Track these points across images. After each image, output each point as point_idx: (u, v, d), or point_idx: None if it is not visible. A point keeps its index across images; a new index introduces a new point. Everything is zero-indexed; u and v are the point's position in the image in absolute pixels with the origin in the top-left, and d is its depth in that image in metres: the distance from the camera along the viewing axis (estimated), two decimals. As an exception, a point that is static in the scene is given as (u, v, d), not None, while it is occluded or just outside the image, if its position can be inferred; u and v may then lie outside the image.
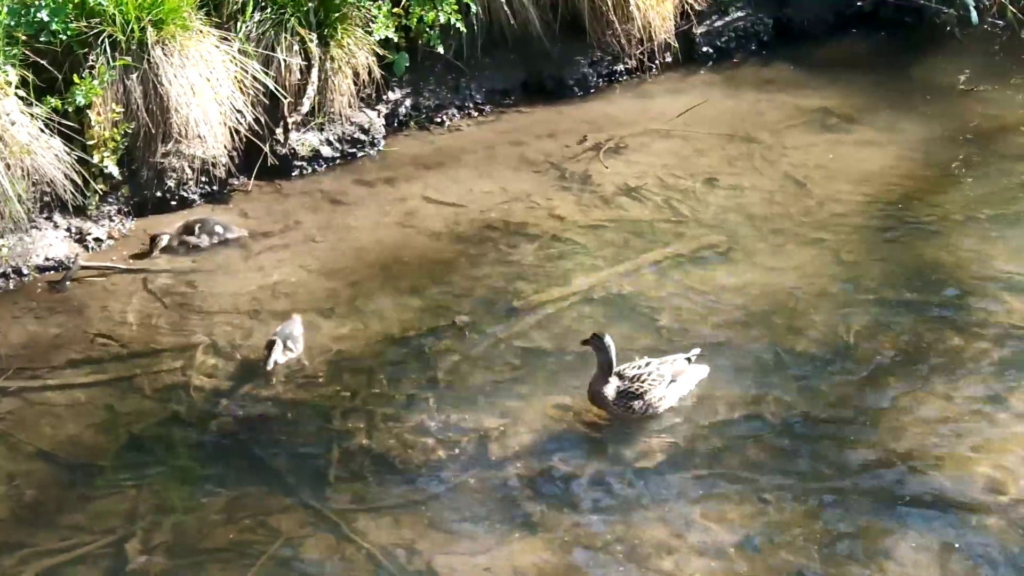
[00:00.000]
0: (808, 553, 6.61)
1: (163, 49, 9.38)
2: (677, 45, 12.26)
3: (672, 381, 7.59)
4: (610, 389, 7.52)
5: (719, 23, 12.64)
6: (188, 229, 9.30)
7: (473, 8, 11.21)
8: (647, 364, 7.61)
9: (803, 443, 7.40)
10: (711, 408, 7.66)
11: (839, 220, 9.67)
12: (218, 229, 9.33)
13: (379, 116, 10.98)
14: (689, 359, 7.74)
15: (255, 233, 9.55)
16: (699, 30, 12.50)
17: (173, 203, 9.82)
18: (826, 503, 6.94)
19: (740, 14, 12.73)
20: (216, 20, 9.94)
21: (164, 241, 9.22)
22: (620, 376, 7.55)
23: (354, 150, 10.70)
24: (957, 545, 6.63)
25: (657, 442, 7.42)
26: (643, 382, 7.50)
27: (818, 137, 11.03)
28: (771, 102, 11.70)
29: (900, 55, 12.58)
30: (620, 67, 12.12)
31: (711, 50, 12.56)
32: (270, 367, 7.81)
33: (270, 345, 7.89)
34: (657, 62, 12.26)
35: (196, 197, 9.91)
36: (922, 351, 8.16)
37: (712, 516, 6.85)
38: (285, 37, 10.14)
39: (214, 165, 9.82)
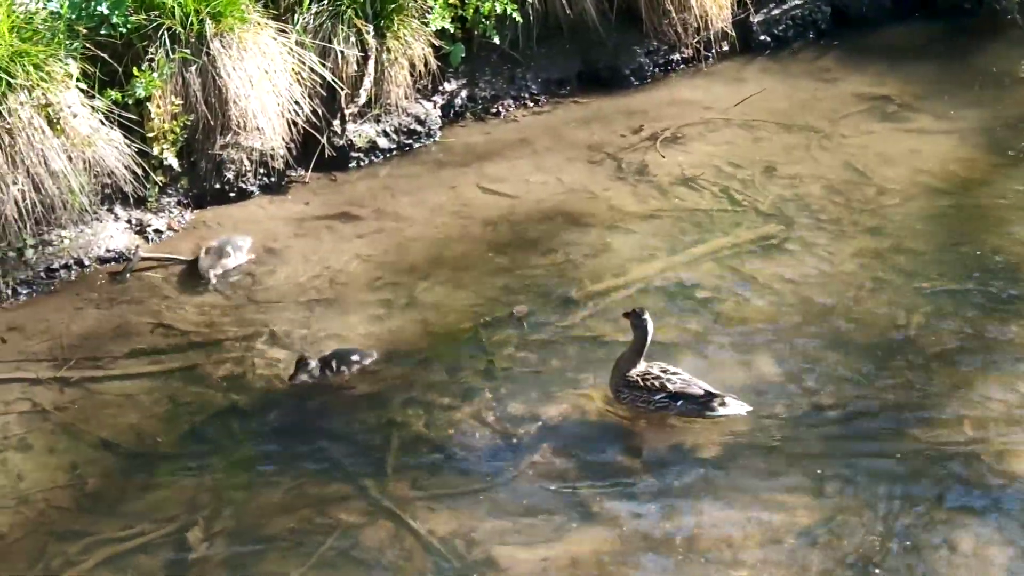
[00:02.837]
0: (869, 544, 6.57)
1: (221, 41, 9.43)
2: (734, 34, 12.16)
3: (670, 395, 7.38)
4: (626, 368, 7.45)
5: (776, 11, 12.53)
6: (220, 252, 9.04)
7: (529, -2, 11.21)
8: (675, 373, 7.44)
9: (863, 433, 7.35)
10: (770, 398, 7.61)
11: (899, 209, 9.58)
12: (240, 243, 9.14)
13: (435, 107, 10.99)
14: (712, 394, 7.37)
15: (313, 217, 9.64)
16: (756, 18, 12.39)
17: (232, 195, 9.88)
18: (887, 493, 6.89)
19: (798, 1, 12.59)
20: (274, 12, 9.98)
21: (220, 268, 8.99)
22: (647, 367, 7.47)
23: (410, 141, 10.72)
24: (1021, 537, 6.55)
25: (716, 432, 7.39)
26: (645, 380, 7.40)
27: (877, 125, 10.91)
28: (829, 90, 11.59)
29: (960, 42, 12.40)
30: (676, 56, 12.04)
31: (768, 38, 12.45)
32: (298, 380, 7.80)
33: (300, 364, 7.80)
34: (714, 51, 12.18)
35: (254, 189, 9.97)
36: (983, 341, 8.08)
37: (772, 507, 6.83)
38: (342, 29, 10.16)
39: (272, 157, 9.86)
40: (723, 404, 7.37)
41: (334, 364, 7.83)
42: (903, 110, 11.16)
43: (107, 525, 6.83)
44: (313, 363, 7.77)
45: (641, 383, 7.40)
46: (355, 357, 7.89)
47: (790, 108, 11.26)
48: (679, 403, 7.38)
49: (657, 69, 11.96)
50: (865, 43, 12.38)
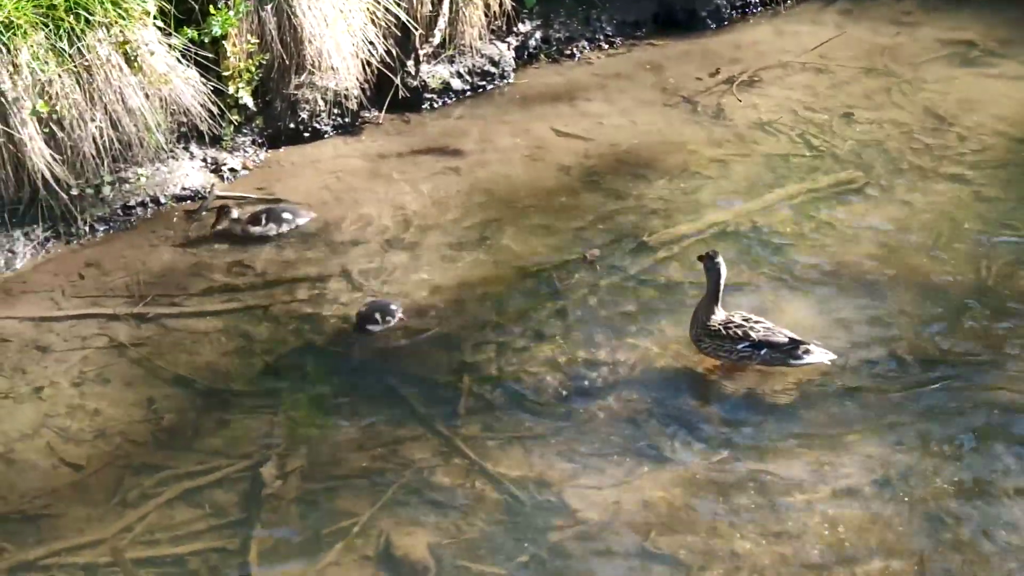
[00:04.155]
0: (945, 494, 6.51)
1: (297, -20, 9.42)
2: (814, -24, 12.00)
3: (753, 344, 7.24)
4: (705, 315, 7.35)
5: (857, -47, 12.32)
6: (255, 219, 8.77)
7: (606, -62, 11.09)
8: (757, 321, 7.32)
9: (941, 383, 7.26)
10: (846, 347, 7.53)
11: (980, 156, 9.42)
12: (286, 216, 8.82)
13: (509, 49, 10.92)
14: (797, 341, 7.23)
15: (386, 156, 9.63)
16: (836, -40, 12.21)
17: (306, 135, 9.89)
18: (964, 444, 6.82)
19: (880, -57, 12.38)
20: (350, -49, 9.94)
21: (234, 214, 8.76)
22: (727, 315, 7.37)
23: (484, 83, 10.67)
24: (1101, 490, 6.48)
25: (792, 380, 7.32)
26: (727, 329, 7.28)
27: (959, 71, 10.72)
28: (910, 34, 11.38)
29: (1047, -14, 12.14)
30: (754, -2, 11.92)
31: (849, -19, 12.27)
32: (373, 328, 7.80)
33: (367, 316, 7.81)
34: (793, -7, 12.02)
35: (328, 129, 9.97)
36: (1066, 291, 7.96)
37: (846, 455, 6.77)
38: (417, -33, 10.11)
39: (346, 97, 9.86)
40: (808, 351, 7.25)
41: (377, 316, 7.83)
42: (986, 55, 10.95)
43: (183, 460, 6.91)
44: (377, 315, 7.80)
45: (724, 332, 7.30)
46: (393, 306, 7.87)
47: (870, 52, 11.07)
48: (763, 352, 7.27)
49: (735, 11, 11.81)
50: (948, -15, 12.14)
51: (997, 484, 6.57)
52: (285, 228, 8.80)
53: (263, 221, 8.76)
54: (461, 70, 10.58)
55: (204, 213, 9.00)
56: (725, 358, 7.35)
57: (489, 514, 6.51)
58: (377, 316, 7.80)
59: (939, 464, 6.69)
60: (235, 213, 8.80)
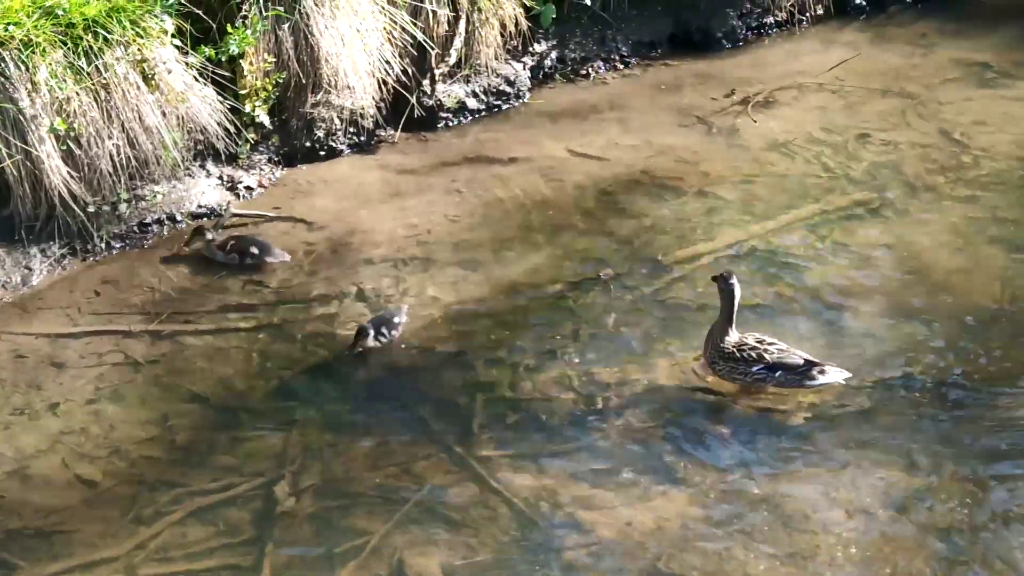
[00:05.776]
0: (959, 518, 6.48)
1: (314, -1, 9.47)
2: (829, -3, 12.03)
3: (768, 367, 7.24)
4: (719, 337, 7.34)
5: (873, -26, 12.34)
6: (222, 245, 8.70)
7: (621, -42, 11.12)
8: (771, 343, 7.31)
9: (957, 406, 7.24)
10: (862, 369, 7.51)
11: (996, 177, 9.42)
12: (252, 250, 8.62)
13: (525, 68, 10.95)
14: (812, 363, 7.23)
15: (407, 170, 9.68)
16: (852, -19, 12.22)
17: (322, 153, 9.92)
18: (979, 468, 6.79)
19: (895, -36, 12.40)
20: (366, -29, 9.98)
21: (208, 235, 8.71)
22: (741, 337, 7.35)
23: (499, 102, 10.69)
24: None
25: (806, 401, 7.31)
26: (741, 351, 7.26)
27: (975, 92, 10.72)
28: (926, 56, 11.39)
29: (1063, 8, 12.15)
30: (770, 19, 11.91)
31: (864, 2, 12.25)
32: (357, 350, 7.77)
33: (361, 333, 7.75)
34: (808, 14, 12.02)
35: (344, 147, 10.01)
36: (1082, 314, 7.93)
37: (861, 477, 6.75)
38: (433, -13, 10.15)
39: (362, 116, 9.88)
40: (823, 372, 7.23)
41: (385, 330, 7.81)
42: (1002, 77, 10.97)
43: (196, 477, 6.92)
44: (372, 332, 7.77)
45: (737, 354, 7.28)
46: (396, 319, 7.88)
47: (885, 74, 11.08)
48: (777, 374, 7.25)
49: (750, 32, 11.83)
50: (964, 7, 12.16)
51: (1012, 508, 6.55)
52: (249, 261, 8.64)
53: (227, 248, 8.69)
54: (477, 89, 10.61)
55: (220, 231, 9.00)
56: (740, 381, 7.33)
57: (502, 533, 6.51)
58: (384, 330, 7.79)
59: (953, 487, 6.67)
60: (210, 235, 8.76)
